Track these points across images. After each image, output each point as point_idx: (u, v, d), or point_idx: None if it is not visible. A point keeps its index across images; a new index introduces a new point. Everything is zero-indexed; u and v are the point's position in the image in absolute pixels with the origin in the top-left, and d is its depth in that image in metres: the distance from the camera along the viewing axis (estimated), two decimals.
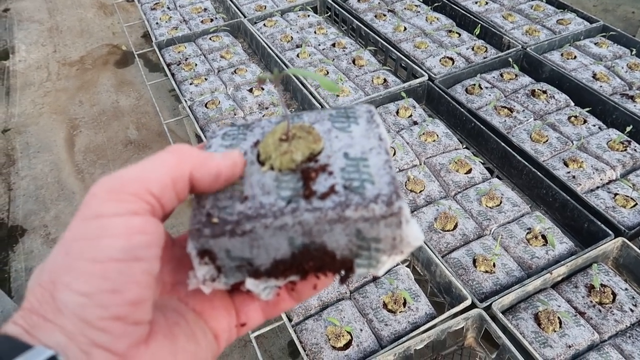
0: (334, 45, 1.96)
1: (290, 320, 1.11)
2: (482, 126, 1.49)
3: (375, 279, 1.17)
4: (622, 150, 1.40)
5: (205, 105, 1.71)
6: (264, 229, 0.29)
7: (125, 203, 0.26)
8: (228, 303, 0.34)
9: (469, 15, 2.00)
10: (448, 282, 1.12)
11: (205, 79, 1.84)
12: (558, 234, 1.22)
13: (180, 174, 0.28)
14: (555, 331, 1.03)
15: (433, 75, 1.70)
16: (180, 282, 0.33)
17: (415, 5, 2.14)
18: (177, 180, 0.28)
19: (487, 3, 2.09)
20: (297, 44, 1.99)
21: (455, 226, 1.25)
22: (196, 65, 1.92)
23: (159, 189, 0.27)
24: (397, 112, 1.62)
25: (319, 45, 1.98)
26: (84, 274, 0.25)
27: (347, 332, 1.06)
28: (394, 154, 1.45)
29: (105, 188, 0.26)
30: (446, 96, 1.62)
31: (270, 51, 1.89)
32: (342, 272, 0.32)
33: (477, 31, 1.92)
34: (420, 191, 1.35)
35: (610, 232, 1.18)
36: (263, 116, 1.67)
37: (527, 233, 1.22)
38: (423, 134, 1.50)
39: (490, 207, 1.29)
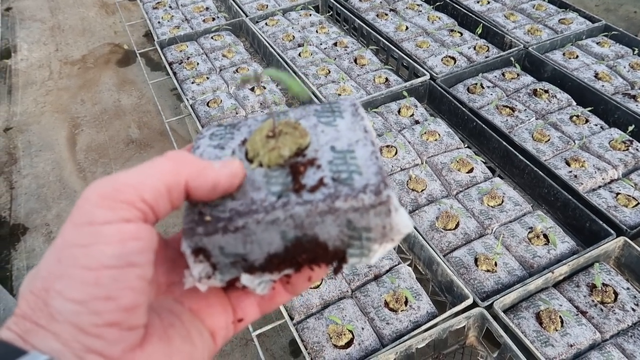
0: (335, 44, 1.96)
1: (291, 318, 1.11)
2: (483, 125, 1.49)
3: (376, 277, 1.17)
4: (624, 150, 1.40)
5: (207, 104, 1.71)
6: (256, 224, 0.30)
7: (117, 210, 0.26)
8: (224, 300, 0.34)
9: (470, 14, 2.00)
10: (450, 281, 1.12)
11: (207, 78, 1.84)
12: (560, 233, 1.22)
13: (176, 182, 0.28)
14: (556, 330, 1.03)
15: (435, 75, 1.69)
16: (175, 282, 0.33)
17: (417, 5, 2.14)
18: (172, 188, 0.28)
19: (489, 2, 2.09)
20: (298, 43, 1.99)
21: (457, 225, 1.25)
22: (198, 64, 1.92)
23: (153, 197, 0.27)
24: (399, 112, 1.62)
25: (321, 44, 1.98)
26: (77, 281, 0.25)
27: (349, 330, 1.06)
28: (396, 153, 1.45)
29: (99, 193, 0.26)
30: (448, 95, 1.62)
31: (272, 50, 1.89)
32: (335, 263, 0.32)
33: (479, 30, 1.92)
34: (422, 190, 1.35)
35: (612, 231, 1.18)
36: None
37: (529, 232, 1.22)
38: (425, 133, 1.50)
39: (491, 206, 1.29)
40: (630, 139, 1.43)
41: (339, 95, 1.67)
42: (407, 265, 1.21)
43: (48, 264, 0.26)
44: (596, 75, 1.67)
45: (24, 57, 3.14)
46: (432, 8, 2.12)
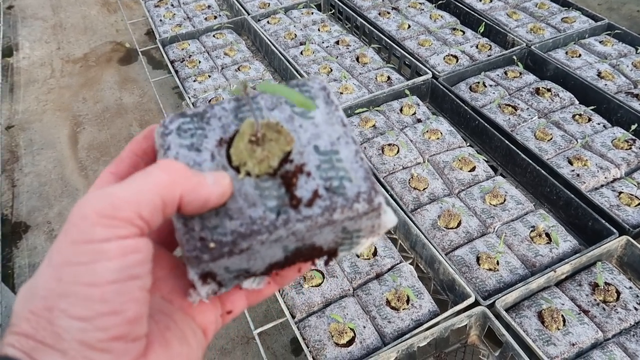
0: (337, 42, 1.96)
1: (293, 317, 1.11)
2: (486, 124, 1.49)
3: (378, 276, 1.17)
4: (626, 149, 1.40)
5: (209, 103, 1.71)
6: (260, 245, 0.30)
7: (116, 229, 0.25)
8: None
9: (473, 13, 2.00)
10: (451, 280, 1.12)
11: (209, 76, 1.84)
12: (562, 232, 1.22)
13: (172, 196, 0.28)
14: (558, 329, 1.03)
15: (437, 73, 1.69)
16: (160, 277, 0.33)
17: (420, 3, 2.13)
18: (168, 202, 0.28)
19: (491, 1, 2.09)
20: (300, 42, 1.99)
21: (459, 224, 1.25)
22: (200, 62, 1.92)
23: (150, 213, 0.27)
24: (401, 110, 1.61)
25: (323, 42, 1.98)
26: (82, 299, 0.25)
27: (350, 329, 1.06)
28: (398, 151, 1.45)
29: (96, 210, 0.25)
30: (450, 94, 1.61)
31: (274, 48, 1.89)
32: (326, 257, 0.34)
33: (482, 29, 1.91)
34: (424, 189, 1.35)
35: (615, 230, 1.17)
36: None
37: (531, 231, 1.22)
38: (427, 131, 1.50)
39: (494, 205, 1.29)
40: (633, 137, 1.43)
41: (341, 93, 1.67)
42: (409, 263, 1.21)
43: (47, 282, 0.25)
44: (599, 74, 1.66)
45: (25, 56, 3.14)
46: (435, 6, 2.12)
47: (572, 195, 1.26)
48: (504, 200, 1.30)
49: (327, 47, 1.95)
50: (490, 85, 1.67)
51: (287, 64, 1.80)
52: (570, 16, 1.94)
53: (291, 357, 1.57)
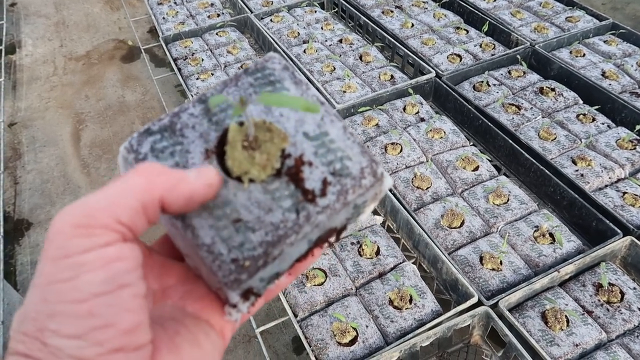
0: (340, 41, 1.95)
1: (295, 315, 1.11)
2: (489, 123, 1.49)
3: (381, 275, 1.16)
4: (631, 149, 1.39)
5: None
6: (289, 247, 0.30)
7: (94, 237, 0.24)
8: None
9: (477, 12, 1.99)
10: (454, 280, 1.11)
11: (212, 74, 1.84)
12: (566, 232, 1.21)
13: (151, 198, 0.26)
14: (562, 330, 1.03)
15: (440, 72, 1.69)
16: (169, 285, 0.32)
17: (423, 2, 2.13)
18: (148, 205, 0.26)
19: (495, 0, 2.08)
20: (304, 40, 1.98)
21: (462, 223, 1.24)
22: (203, 60, 1.92)
23: (129, 217, 0.25)
24: (404, 109, 1.61)
25: (326, 41, 1.97)
26: (70, 316, 0.24)
27: (353, 328, 1.06)
28: (401, 150, 1.44)
29: (71, 222, 0.24)
30: (454, 93, 1.61)
31: (277, 47, 1.89)
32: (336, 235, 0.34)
33: (485, 28, 1.90)
34: (427, 188, 1.34)
35: (619, 230, 1.17)
36: None
37: (535, 231, 1.21)
38: (430, 130, 1.49)
39: (497, 205, 1.28)
40: (638, 137, 1.42)
41: (344, 92, 1.66)
42: (412, 263, 1.20)
43: (34, 304, 0.24)
44: (603, 74, 1.65)
45: (28, 53, 3.14)
46: (438, 5, 2.11)
47: (576, 196, 1.26)
48: (508, 200, 1.29)
49: (330, 45, 1.95)
50: (494, 85, 1.66)
51: (290, 62, 1.79)
52: (575, 15, 1.93)
53: (293, 356, 1.57)
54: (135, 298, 0.25)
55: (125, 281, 0.25)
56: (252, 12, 2.18)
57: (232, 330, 0.34)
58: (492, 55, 1.78)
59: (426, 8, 2.10)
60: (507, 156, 1.45)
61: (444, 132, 1.49)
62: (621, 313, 1.06)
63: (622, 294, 1.09)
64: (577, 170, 1.34)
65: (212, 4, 2.31)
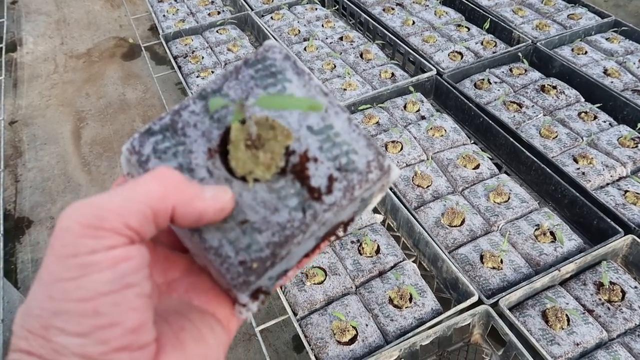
0: (341, 38, 1.95)
1: (295, 314, 1.11)
2: (490, 121, 1.48)
3: (381, 274, 1.16)
4: (632, 147, 1.39)
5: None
6: (297, 246, 0.30)
7: (102, 239, 0.24)
8: None
9: (478, 9, 1.98)
10: (455, 278, 1.11)
11: (212, 72, 1.83)
12: (567, 231, 1.21)
13: (164, 207, 0.26)
14: (563, 329, 1.02)
15: (441, 70, 1.68)
16: (174, 279, 0.32)
17: None
18: (159, 213, 0.26)
19: None
20: (304, 37, 1.98)
21: (463, 222, 1.24)
22: (203, 58, 1.91)
23: (139, 223, 0.25)
24: (405, 107, 1.60)
25: (327, 38, 1.97)
26: (75, 315, 0.24)
27: (353, 327, 1.05)
28: (401, 148, 1.44)
29: (80, 222, 0.24)
30: (454, 91, 1.60)
31: None
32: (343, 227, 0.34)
33: (487, 25, 1.90)
34: (428, 186, 1.34)
35: (620, 229, 1.16)
36: None
37: (536, 229, 1.21)
38: (431, 128, 1.49)
39: (498, 203, 1.28)
40: (639, 135, 1.41)
41: (345, 90, 1.66)
42: (412, 261, 1.20)
43: (39, 301, 0.24)
44: (605, 72, 1.64)
45: (29, 51, 3.14)
46: (439, 3, 2.10)
47: (577, 194, 1.25)
48: (508, 199, 1.29)
49: (330, 43, 1.94)
50: (495, 82, 1.66)
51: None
52: (577, 13, 1.92)
53: (293, 354, 1.56)
54: (140, 297, 0.25)
55: (132, 281, 0.25)
56: (252, 9, 2.17)
57: (238, 323, 0.33)
58: (494, 52, 1.77)
59: (427, 5, 2.09)
60: (508, 154, 1.45)
61: (445, 130, 1.49)
62: (622, 312, 1.05)
63: (623, 292, 1.08)
64: (578, 169, 1.33)
65: (212, 2, 2.31)
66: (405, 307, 1.08)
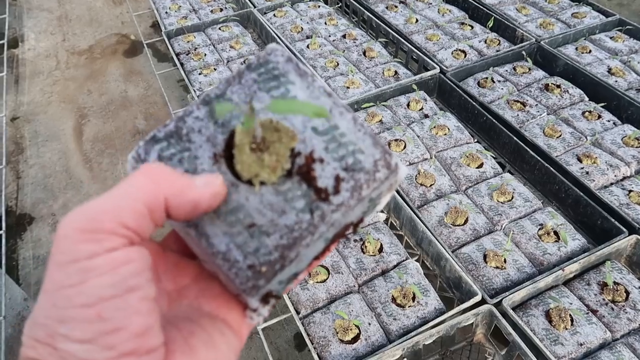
0: (344, 36, 1.94)
1: (297, 312, 1.10)
2: (494, 120, 1.47)
3: (384, 272, 1.16)
4: (637, 147, 1.38)
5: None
6: (306, 248, 0.30)
7: (100, 242, 0.24)
8: None
9: (482, 7, 1.97)
10: (458, 277, 1.11)
11: (215, 69, 1.83)
12: (570, 231, 1.20)
13: (156, 201, 0.26)
14: (566, 329, 1.02)
15: (445, 68, 1.67)
16: (185, 285, 0.32)
17: None
18: (153, 208, 0.26)
19: None
20: (307, 35, 1.97)
21: (466, 221, 1.24)
22: (205, 55, 1.91)
23: (135, 221, 0.25)
24: (408, 105, 1.60)
25: (330, 36, 1.96)
26: (79, 321, 0.24)
27: (355, 325, 1.05)
28: (404, 147, 1.43)
29: (75, 227, 0.24)
30: (458, 89, 1.59)
31: (280, 42, 1.87)
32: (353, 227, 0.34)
33: (490, 24, 1.89)
34: (431, 185, 1.33)
35: (624, 229, 1.16)
36: None
37: (539, 229, 1.20)
38: (434, 127, 1.48)
39: (501, 202, 1.27)
40: None
41: (348, 88, 1.65)
42: (415, 260, 1.19)
43: (44, 310, 0.24)
44: (609, 71, 1.64)
45: (31, 47, 3.14)
46: (443, 1, 2.09)
47: (581, 193, 1.24)
48: (512, 198, 1.28)
49: (333, 40, 1.93)
50: (499, 81, 1.65)
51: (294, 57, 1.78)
52: (581, 11, 1.91)
53: (294, 352, 1.56)
54: (144, 301, 0.25)
55: (134, 284, 0.25)
56: (255, 6, 2.16)
57: (249, 328, 0.33)
58: (497, 51, 1.76)
59: (430, 3, 2.08)
60: (511, 153, 1.44)
61: (448, 129, 1.48)
62: (626, 312, 1.05)
63: (627, 293, 1.08)
64: (582, 168, 1.33)
65: None
66: (408, 306, 1.08)
